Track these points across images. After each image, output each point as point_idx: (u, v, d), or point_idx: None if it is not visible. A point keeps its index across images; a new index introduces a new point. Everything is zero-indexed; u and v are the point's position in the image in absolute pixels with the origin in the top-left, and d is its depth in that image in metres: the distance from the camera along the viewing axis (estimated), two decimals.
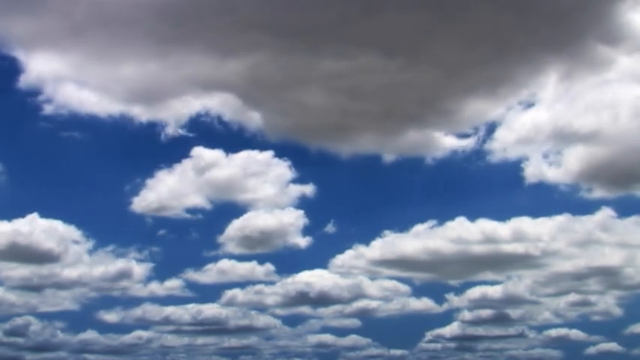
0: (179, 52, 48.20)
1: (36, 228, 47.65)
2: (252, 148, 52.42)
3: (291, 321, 52.37)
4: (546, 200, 52.02)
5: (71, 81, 49.70)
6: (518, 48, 47.09)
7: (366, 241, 51.60)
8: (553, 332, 52.64)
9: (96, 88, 50.24)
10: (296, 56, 47.05)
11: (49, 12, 45.98)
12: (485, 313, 52.97)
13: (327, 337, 52.00)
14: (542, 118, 50.84)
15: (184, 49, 48.06)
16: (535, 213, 50.73)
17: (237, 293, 51.19)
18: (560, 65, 49.19)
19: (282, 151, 52.28)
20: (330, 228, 52.59)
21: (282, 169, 52.42)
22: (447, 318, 53.28)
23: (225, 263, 50.92)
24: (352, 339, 52.62)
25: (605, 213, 49.74)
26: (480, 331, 53.14)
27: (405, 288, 52.72)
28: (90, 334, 50.39)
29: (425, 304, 52.15)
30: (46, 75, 49.10)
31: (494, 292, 52.57)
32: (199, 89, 50.06)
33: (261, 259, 52.08)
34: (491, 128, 51.85)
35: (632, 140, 48.14)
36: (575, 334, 52.11)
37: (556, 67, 49.24)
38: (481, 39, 46.00)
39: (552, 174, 50.88)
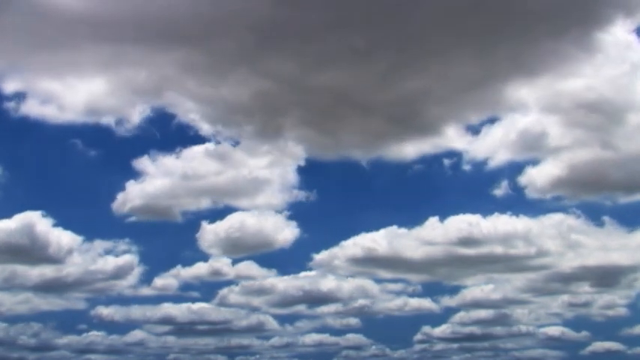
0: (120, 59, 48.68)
1: (31, 229, 48.33)
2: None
3: (287, 320, 52.79)
4: (525, 204, 53.51)
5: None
6: (502, 59, 47.58)
7: (354, 241, 52.09)
8: (549, 331, 52.96)
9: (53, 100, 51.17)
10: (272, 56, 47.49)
11: None
12: (480, 313, 53.18)
13: (323, 337, 52.37)
14: (520, 128, 52.48)
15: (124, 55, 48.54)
16: (517, 216, 52.38)
17: (231, 293, 51.70)
18: (538, 79, 50.39)
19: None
20: (317, 228, 53.33)
21: (266, 171, 53.07)
22: (440, 318, 53.69)
23: (217, 263, 51.44)
24: (349, 338, 52.96)
25: (577, 217, 51.98)
26: (475, 331, 53.30)
27: (398, 288, 53.03)
28: (89, 335, 51.07)
29: (419, 304, 52.39)
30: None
31: (489, 292, 52.92)
32: (150, 93, 50.71)
33: (249, 260, 52.77)
34: (471, 135, 53.27)
35: (599, 151, 50.17)
36: (570, 333, 52.36)
37: (534, 80, 50.45)
38: (464, 48, 46.52)
39: (527, 181, 52.52)
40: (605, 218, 52.30)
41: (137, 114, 53.02)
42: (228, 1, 46.16)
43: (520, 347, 53.25)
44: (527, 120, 52.99)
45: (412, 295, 53.09)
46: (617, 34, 49.94)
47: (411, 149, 54.87)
